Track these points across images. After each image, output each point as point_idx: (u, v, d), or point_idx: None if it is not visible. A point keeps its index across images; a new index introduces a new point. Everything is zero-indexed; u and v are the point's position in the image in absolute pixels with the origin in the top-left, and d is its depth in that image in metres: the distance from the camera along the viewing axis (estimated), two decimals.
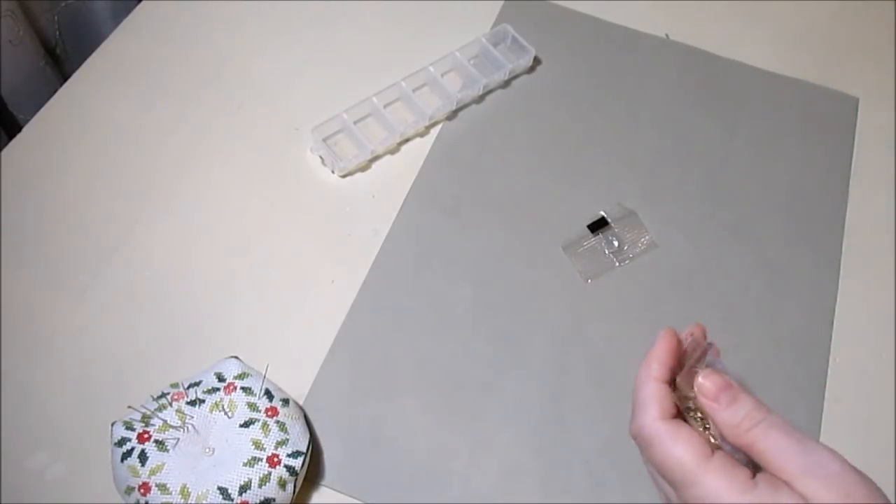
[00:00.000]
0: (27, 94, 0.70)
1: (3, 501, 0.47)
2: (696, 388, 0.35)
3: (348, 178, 0.60)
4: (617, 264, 0.57)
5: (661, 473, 0.35)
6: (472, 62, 0.65)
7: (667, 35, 0.70)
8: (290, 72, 0.65)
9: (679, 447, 0.33)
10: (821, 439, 0.51)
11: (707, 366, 0.37)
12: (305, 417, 0.48)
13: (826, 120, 0.66)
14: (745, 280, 0.57)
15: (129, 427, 0.44)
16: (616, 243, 0.57)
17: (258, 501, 0.43)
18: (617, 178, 0.62)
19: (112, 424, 0.45)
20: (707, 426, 0.36)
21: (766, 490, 0.32)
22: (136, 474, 0.43)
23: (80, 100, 0.63)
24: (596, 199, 0.60)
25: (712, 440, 0.35)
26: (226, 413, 0.45)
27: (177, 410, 0.45)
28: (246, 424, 0.45)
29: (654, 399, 0.36)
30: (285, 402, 0.47)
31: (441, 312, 0.55)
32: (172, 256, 0.56)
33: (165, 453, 0.43)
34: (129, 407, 0.45)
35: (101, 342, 0.52)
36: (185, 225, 0.57)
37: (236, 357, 0.49)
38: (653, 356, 0.37)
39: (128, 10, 0.69)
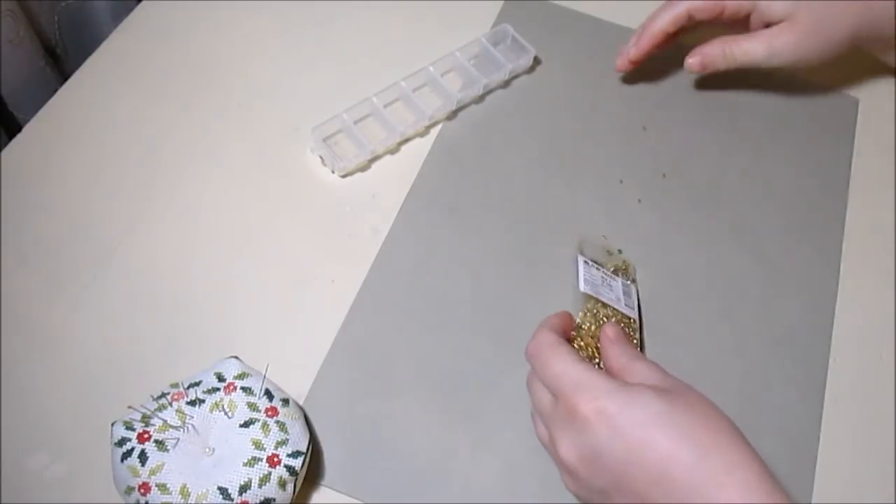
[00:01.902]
0: (27, 94, 0.70)
1: (3, 501, 0.47)
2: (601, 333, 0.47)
3: (348, 178, 0.60)
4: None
5: (551, 383, 0.43)
6: (472, 62, 0.65)
7: None
8: (290, 72, 0.65)
9: (567, 352, 0.43)
10: (821, 439, 0.51)
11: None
12: (305, 417, 0.48)
13: (826, 120, 0.66)
14: (745, 280, 0.57)
15: (129, 427, 0.44)
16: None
17: (258, 501, 0.43)
18: (617, 177, 0.62)
19: (112, 424, 0.45)
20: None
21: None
22: (136, 474, 0.43)
23: (80, 100, 0.63)
24: (596, 199, 0.60)
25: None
26: (226, 413, 0.45)
27: (177, 410, 0.45)
28: (246, 424, 0.45)
29: (548, 324, 0.47)
30: (285, 402, 0.47)
31: (441, 312, 0.55)
32: (172, 256, 0.56)
33: (165, 453, 0.43)
34: (129, 407, 0.45)
35: (101, 342, 0.52)
36: (185, 225, 0.57)
37: (236, 357, 0.49)
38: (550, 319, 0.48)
39: (128, 10, 0.69)
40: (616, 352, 0.46)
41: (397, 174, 0.61)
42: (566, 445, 0.42)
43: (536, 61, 0.67)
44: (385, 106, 0.62)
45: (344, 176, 0.60)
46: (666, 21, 0.60)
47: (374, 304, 0.55)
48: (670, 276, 0.57)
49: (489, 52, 0.65)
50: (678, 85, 0.67)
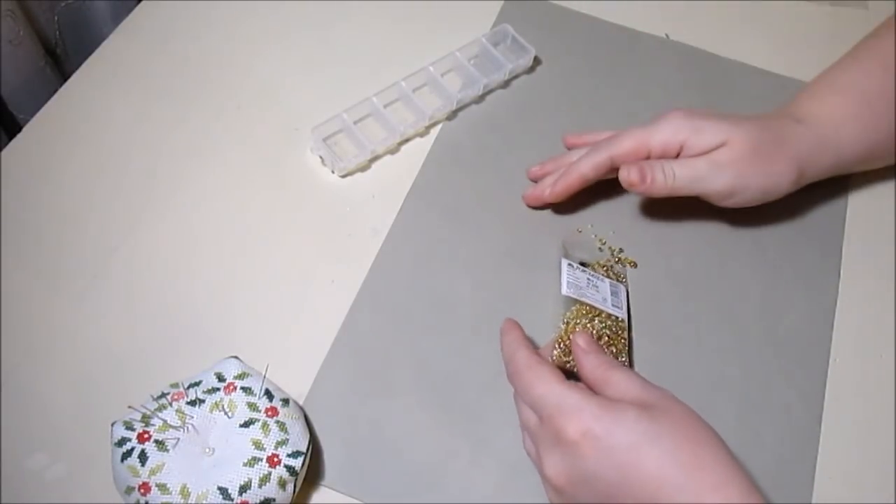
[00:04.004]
0: (27, 94, 0.70)
1: (3, 501, 0.47)
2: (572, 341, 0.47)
3: (348, 178, 0.60)
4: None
5: (535, 404, 0.43)
6: (472, 62, 0.65)
7: (667, 35, 0.70)
8: (289, 72, 0.65)
9: (547, 372, 0.44)
10: (821, 439, 0.51)
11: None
12: (305, 417, 0.48)
13: None
14: (745, 280, 0.57)
15: (129, 427, 0.44)
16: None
17: (258, 501, 0.43)
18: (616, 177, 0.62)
19: (112, 424, 0.45)
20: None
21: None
22: (136, 474, 0.43)
23: (80, 100, 0.63)
24: (596, 199, 0.60)
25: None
26: (226, 413, 0.45)
27: (177, 410, 0.45)
28: (246, 424, 0.45)
29: (520, 341, 0.47)
30: (285, 402, 0.47)
31: (441, 312, 0.55)
32: (172, 256, 0.56)
33: (165, 453, 0.43)
34: (129, 407, 0.45)
35: (101, 342, 0.52)
36: (186, 225, 0.57)
37: (236, 357, 0.49)
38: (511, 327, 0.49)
39: (128, 10, 0.69)
40: (592, 363, 0.45)
41: (397, 174, 0.61)
42: (553, 466, 0.42)
43: (536, 61, 0.67)
44: (385, 106, 0.62)
45: (344, 176, 0.60)
46: (587, 167, 0.55)
47: (374, 304, 0.55)
48: (670, 276, 0.57)
49: (489, 52, 0.65)
50: (678, 86, 0.67)
